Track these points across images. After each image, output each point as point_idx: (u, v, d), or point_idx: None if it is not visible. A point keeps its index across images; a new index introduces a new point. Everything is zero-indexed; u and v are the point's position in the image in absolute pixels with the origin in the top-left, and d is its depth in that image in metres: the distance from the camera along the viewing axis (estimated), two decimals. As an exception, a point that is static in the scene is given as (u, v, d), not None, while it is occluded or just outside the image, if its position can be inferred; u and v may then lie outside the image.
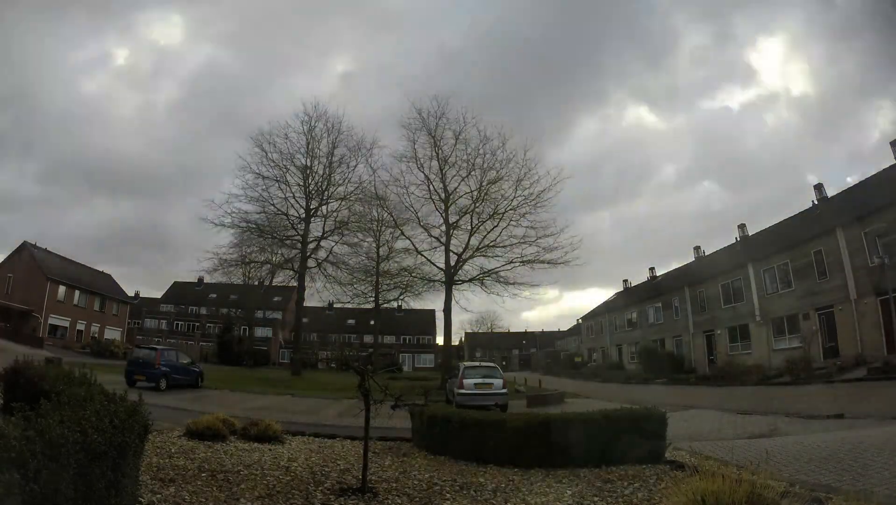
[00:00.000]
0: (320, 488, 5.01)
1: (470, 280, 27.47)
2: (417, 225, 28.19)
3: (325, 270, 33.92)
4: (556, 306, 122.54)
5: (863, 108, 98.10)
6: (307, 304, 36.81)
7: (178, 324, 60.24)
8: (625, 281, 49.18)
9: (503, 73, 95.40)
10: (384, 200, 29.17)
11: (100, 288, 46.42)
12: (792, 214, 28.91)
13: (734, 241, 34.04)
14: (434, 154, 27.26)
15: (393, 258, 32.72)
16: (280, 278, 37.13)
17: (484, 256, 27.32)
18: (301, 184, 33.54)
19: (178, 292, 62.38)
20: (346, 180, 33.39)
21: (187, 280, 58.76)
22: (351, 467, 5.96)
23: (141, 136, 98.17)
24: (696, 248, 39.35)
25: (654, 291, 39.74)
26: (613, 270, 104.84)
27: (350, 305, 36.87)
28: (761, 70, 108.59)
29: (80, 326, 42.97)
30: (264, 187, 32.81)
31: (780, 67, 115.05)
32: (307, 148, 33.56)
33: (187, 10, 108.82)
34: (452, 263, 27.11)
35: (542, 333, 78.74)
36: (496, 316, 74.69)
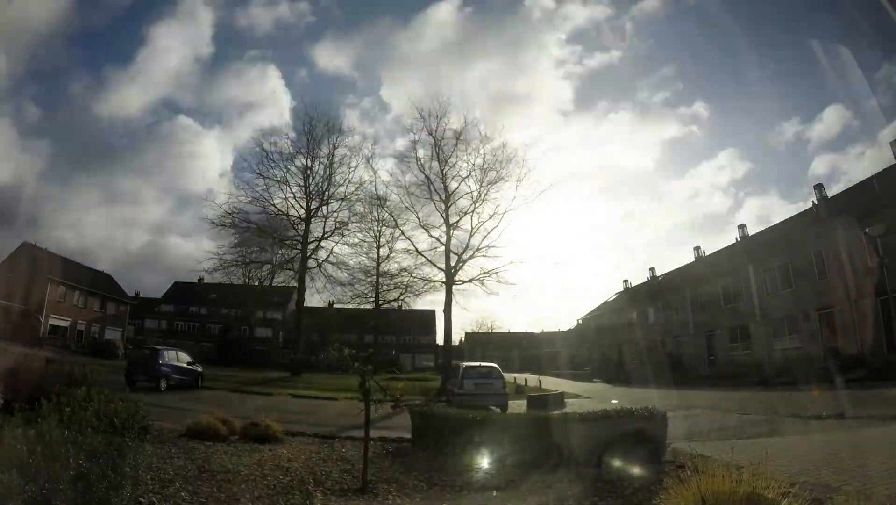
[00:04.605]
0: (320, 488, 5.01)
1: (470, 280, 27.52)
2: (418, 225, 28.26)
3: (325, 270, 33.99)
4: (556, 306, 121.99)
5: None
6: (307, 304, 36.86)
7: (178, 324, 60.19)
8: (625, 281, 49.18)
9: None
10: (384, 201, 29.28)
11: (100, 288, 46.40)
12: (792, 214, 28.97)
13: (734, 241, 34.07)
14: (434, 154, 27.35)
15: (393, 258, 32.80)
16: (280, 279, 37.21)
17: (484, 256, 27.40)
18: (301, 184, 33.62)
19: (178, 292, 62.34)
20: (347, 181, 33.48)
21: (187, 280, 58.75)
22: (351, 467, 5.96)
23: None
24: (696, 249, 39.38)
25: (654, 291, 39.72)
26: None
27: (350, 305, 36.95)
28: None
29: (81, 326, 42.96)
30: (265, 187, 32.92)
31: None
32: (308, 148, 33.64)
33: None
34: (452, 264, 27.15)
35: (542, 333, 78.64)
36: (496, 316, 74.75)
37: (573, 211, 78.30)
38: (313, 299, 38.13)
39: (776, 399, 15.11)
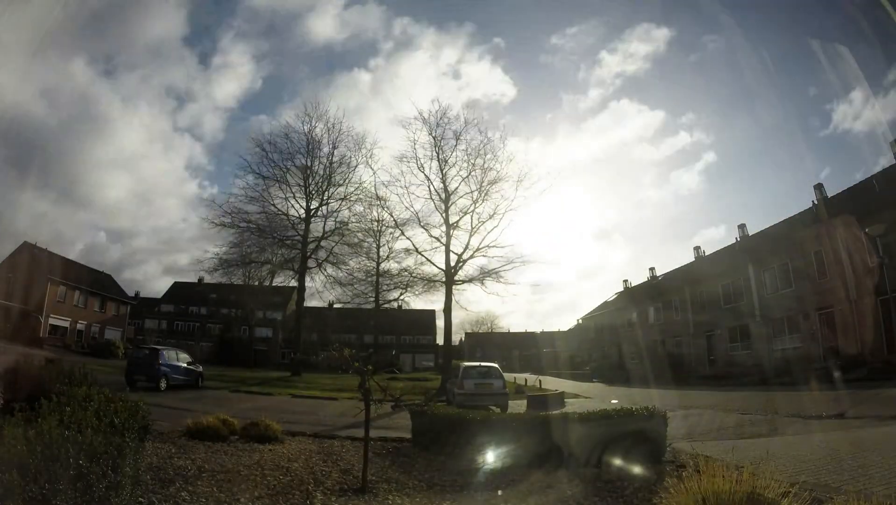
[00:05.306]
0: (320, 488, 5.02)
1: (470, 280, 27.49)
2: (417, 225, 28.24)
3: (325, 270, 33.99)
4: (556, 306, 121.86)
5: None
6: (307, 304, 36.87)
7: (178, 324, 60.23)
8: (625, 281, 49.17)
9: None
10: (384, 201, 29.26)
11: (100, 288, 46.41)
12: (792, 214, 28.95)
13: (734, 241, 34.07)
14: (434, 154, 27.32)
15: (393, 258, 32.80)
16: (280, 278, 37.21)
17: (484, 256, 27.37)
18: (301, 184, 33.61)
19: (178, 292, 62.33)
20: (347, 181, 33.47)
21: (187, 280, 58.81)
22: (351, 467, 5.96)
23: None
24: (696, 249, 39.42)
25: (655, 291, 39.73)
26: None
27: (350, 305, 36.97)
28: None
29: (80, 326, 42.96)
30: (264, 187, 32.92)
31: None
32: (307, 148, 33.64)
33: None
34: (452, 263, 27.13)
35: (543, 333, 78.63)
36: (496, 316, 74.77)
37: (574, 210, 78.23)
38: (313, 299, 38.15)
39: (776, 399, 15.10)
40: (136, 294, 61.67)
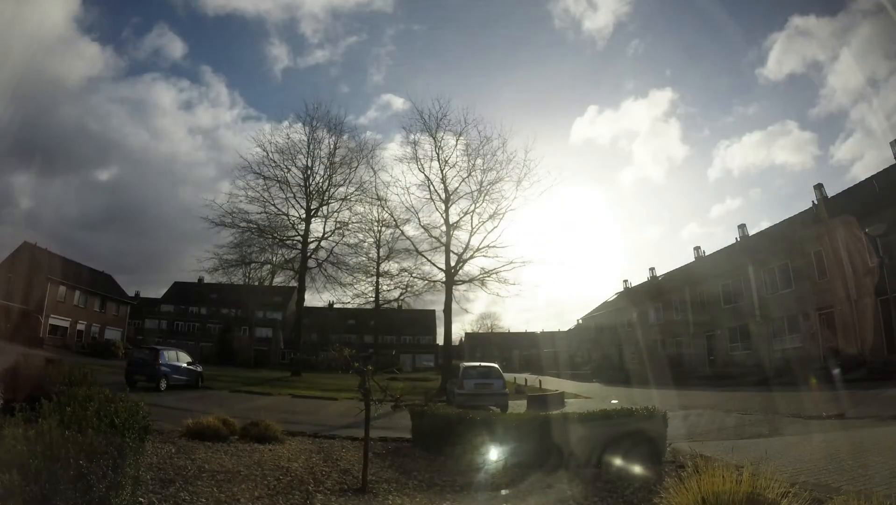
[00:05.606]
0: (320, 488, 5.02)
1: (470, 280, 27.49)
2: (418, 225, 28.24)
3: (325, 270, 33.98)
4: (557, 306, 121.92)
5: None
6: (307, 304, 36.83)
7: (178, 324, 60.27)
8: (625, 281, 49.18)
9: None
10: (385, 201, 29.25)
11: (100, 288, 46.42)
12: (792, 214, 28.95)
13: (734, 241, 34.07)
14: (435, 155, 27.31)
15: (393, 259, 32.78)
16: (280, 278, 37.18)
17: (485, 256, 27.36)
18: (302, 184, 33.59)
19: (178, 292, 62.36)
20: (347, 181, 33.46)
21: (188, 280, 58.83)
22: (351, 468, 5.96)
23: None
24: (696, 249, 39.43)
25: (655, 291, 39.73)
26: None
27: (350, 305, 36.93)
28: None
29: (81, 326, 42.97)
30: (265, 187, 32.89)
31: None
32: (308, 148, 33.64)
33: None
34: (453, 264, 27.12)
35: (543, 333, 78.65)
36: (496, 316, 74.82)
37: (574, 211, 78.24)
38: (313, 299, 38.19)
39: (776, 399, 15.09)
40: (137, 294, 61.68)
